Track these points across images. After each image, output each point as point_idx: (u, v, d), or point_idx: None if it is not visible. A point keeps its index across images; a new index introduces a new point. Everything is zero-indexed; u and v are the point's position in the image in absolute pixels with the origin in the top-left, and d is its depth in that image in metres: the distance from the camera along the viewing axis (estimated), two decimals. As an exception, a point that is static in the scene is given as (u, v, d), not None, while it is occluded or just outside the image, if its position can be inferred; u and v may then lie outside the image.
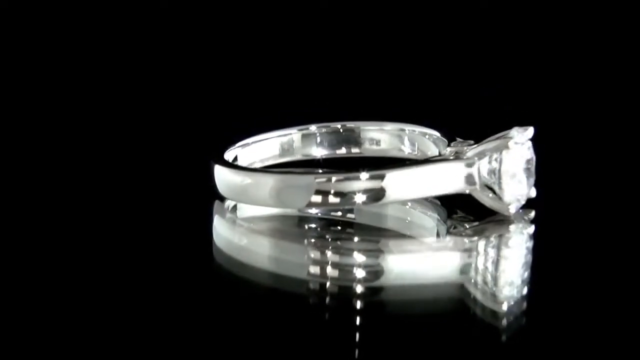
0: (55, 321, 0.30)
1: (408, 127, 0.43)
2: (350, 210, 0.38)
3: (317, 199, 0.35)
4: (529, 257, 0.34)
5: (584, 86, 0.60)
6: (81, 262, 0.35)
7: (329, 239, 0.37)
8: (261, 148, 0.43)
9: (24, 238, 0.38)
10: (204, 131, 0.53)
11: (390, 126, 0.44)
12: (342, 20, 0.66)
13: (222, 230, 0.39)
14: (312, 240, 0.37)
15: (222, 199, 0.40)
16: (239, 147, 0.42)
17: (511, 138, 0.35)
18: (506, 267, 0.33)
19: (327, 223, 0.38)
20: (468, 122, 0.53)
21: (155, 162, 0.49)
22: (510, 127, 0.36)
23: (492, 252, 0.34)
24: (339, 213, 0.38)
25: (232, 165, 0.40)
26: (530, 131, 0.35)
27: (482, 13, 0.66)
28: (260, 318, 0.30)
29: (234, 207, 0.40)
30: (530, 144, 0.36)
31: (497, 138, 0.36)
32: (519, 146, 0.35)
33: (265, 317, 0.30)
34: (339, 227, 0.38)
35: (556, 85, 0.61)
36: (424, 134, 0.42)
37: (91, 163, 0.49)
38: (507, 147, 0.35)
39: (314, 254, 0.36)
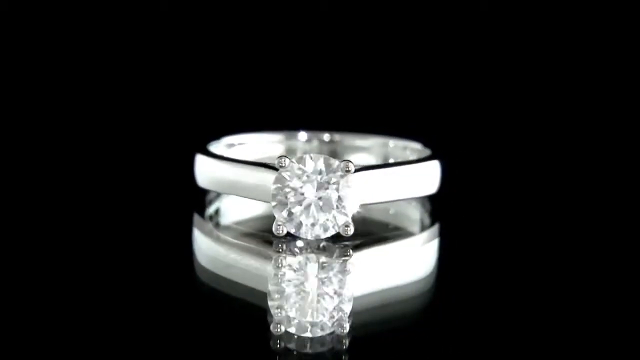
0: (17, 345, 0.27)
1: (390, 140, 0.44)
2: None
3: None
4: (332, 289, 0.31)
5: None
6: (58, 284, 0.32)
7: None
8: (246, 150, 0.44)
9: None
10: (191, 135, 0.54)
11: (372, 140, 0.45)
12: (338, 25, 0.66)
13: (203, 244, 0.38)
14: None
15: (202, 211, 0.40)
16: (223, 146, 0.43)
17: (286, 159, 0.33)
18: (306, 292, 0.30)
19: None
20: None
21: (134, 166, 0.49)
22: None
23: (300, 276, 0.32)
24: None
25: (223, 157, 0.39)
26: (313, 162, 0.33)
27: (472, 21, 0.66)
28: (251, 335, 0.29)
29: (216, 212, 0.40)
30: (329, 177, 0.33)
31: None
32: (296, 173, 0.33)
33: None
34: None
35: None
36: (405, 147, 0.43)
37: (78, 165, 0.49)
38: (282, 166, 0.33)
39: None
